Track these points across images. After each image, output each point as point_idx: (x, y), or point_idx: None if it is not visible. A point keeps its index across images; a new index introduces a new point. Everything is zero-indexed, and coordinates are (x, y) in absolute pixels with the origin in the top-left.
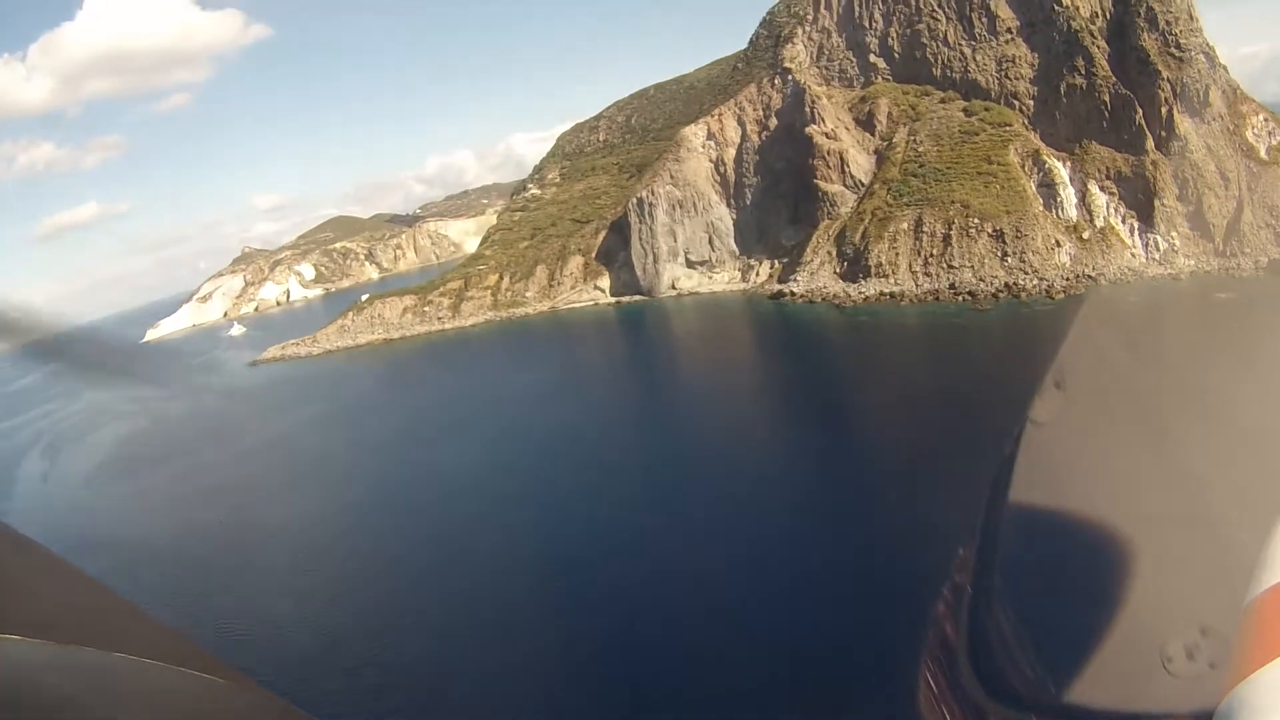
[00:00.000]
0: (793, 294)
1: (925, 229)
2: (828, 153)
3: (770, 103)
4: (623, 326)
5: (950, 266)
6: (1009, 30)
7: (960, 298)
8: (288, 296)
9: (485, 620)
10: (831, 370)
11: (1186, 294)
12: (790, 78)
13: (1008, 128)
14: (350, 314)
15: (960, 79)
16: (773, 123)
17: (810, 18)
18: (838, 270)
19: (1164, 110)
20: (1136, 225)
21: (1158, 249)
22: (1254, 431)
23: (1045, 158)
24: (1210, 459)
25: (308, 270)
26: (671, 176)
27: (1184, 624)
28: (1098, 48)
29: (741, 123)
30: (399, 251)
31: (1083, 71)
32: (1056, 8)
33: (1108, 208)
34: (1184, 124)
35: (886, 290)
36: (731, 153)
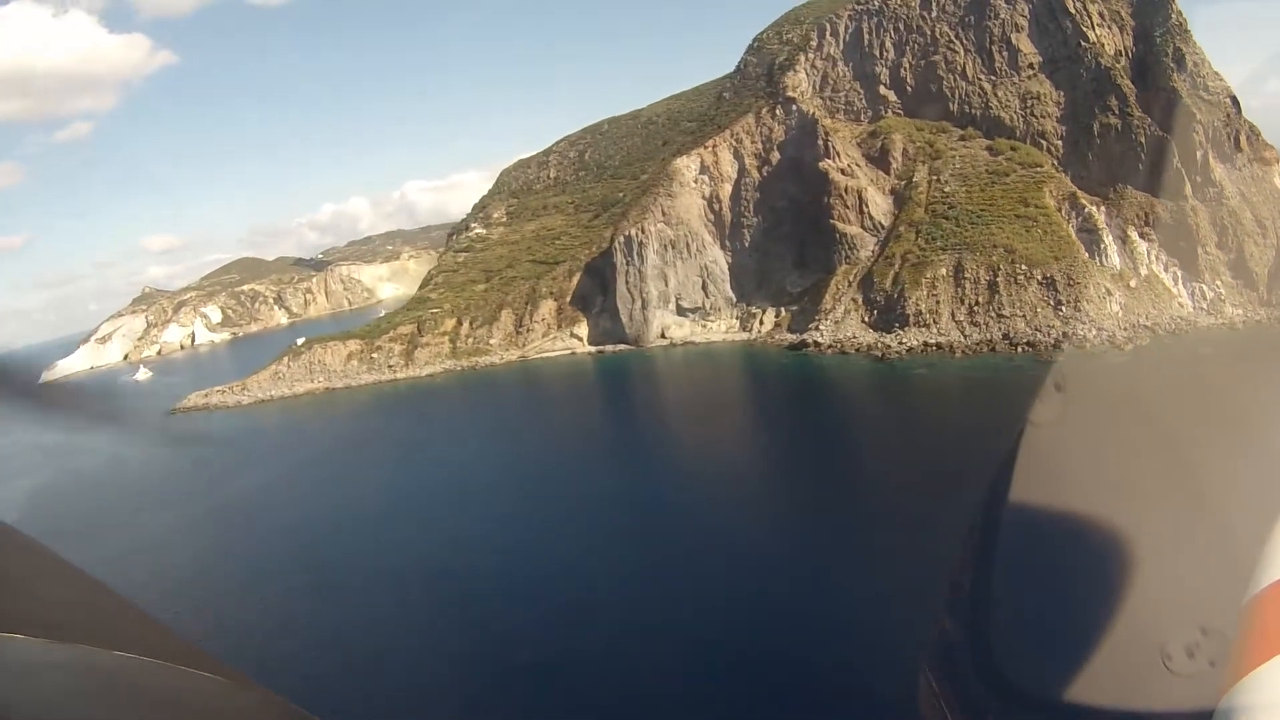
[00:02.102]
0: (817, 344)
1: (967, 275)
2: (845, 190)
3: (771, 134)
4: (613, 381)
5: (1000, 315)
6: (1031, 66)
7: (1018, 348)
8: (193, 340)
9: None
10: (936, 443)
11: (1258, 344)
12: (795, 108)
13: (1039, 169)
14: (286, 359)
15: (980, 115)
16: (774, 156)
17: (814, 44)
18: (866, 319)
19: (1199, 154)
20: (1180, 274)
21: (1204, 298)
22: (1255, 429)
23: (1083, 202)
24: (1210, 457)
25: (214, 313)
26: (664, 213)
27: (1184, 623)
28: (1127, 87)
29: (739, 156)
30: (309, 296)
31: (1116, 112)
32: (1083, 43)
33: (1149, 255)
34: (1218, 169)
35: (931, 341)
36: (728, 189)
